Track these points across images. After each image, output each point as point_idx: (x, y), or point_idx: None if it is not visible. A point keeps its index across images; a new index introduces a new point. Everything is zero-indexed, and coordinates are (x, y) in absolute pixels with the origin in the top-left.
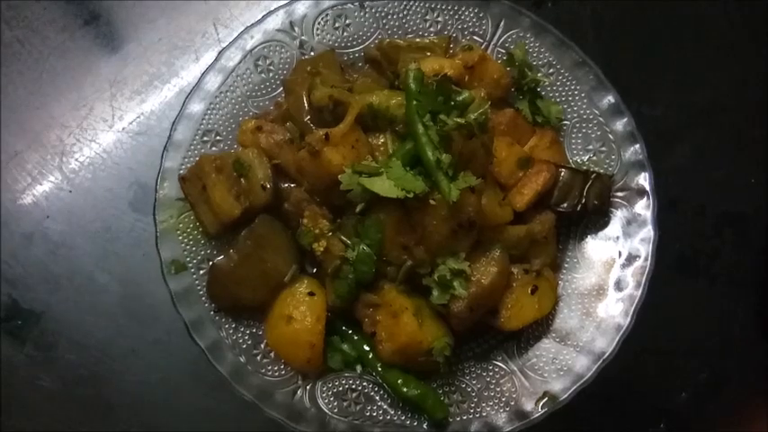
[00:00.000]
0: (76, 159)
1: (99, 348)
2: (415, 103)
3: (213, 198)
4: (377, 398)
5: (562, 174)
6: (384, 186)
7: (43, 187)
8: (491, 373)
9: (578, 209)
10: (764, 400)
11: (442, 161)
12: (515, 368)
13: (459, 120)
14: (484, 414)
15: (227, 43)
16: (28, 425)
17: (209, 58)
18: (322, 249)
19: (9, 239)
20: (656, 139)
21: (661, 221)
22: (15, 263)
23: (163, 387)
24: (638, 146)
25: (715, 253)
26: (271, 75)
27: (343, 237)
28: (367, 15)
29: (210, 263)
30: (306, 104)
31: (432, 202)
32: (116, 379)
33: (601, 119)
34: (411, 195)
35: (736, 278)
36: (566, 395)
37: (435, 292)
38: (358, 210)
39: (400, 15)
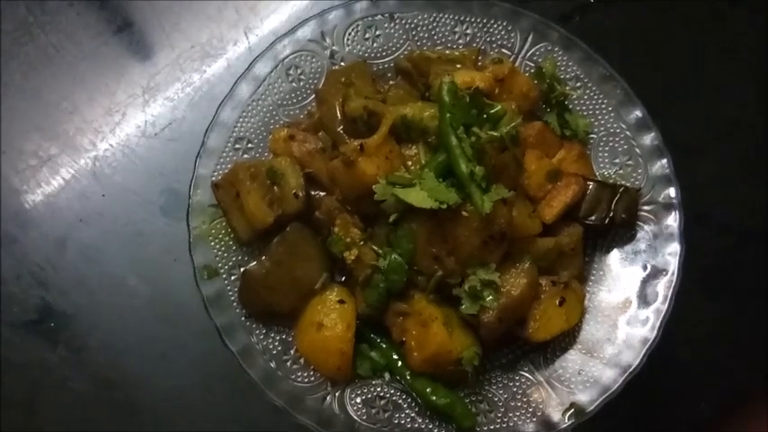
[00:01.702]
0: (109, 164)
1: (129, 351)
2: (448, 115)
3: (247, 205)
4: (405, 405)
5: (590, 187)
6: (418, 197)
7: (76, 191)
8: (518, 384)
9: (606, 222)
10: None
11: (475, 173)
12: (542, 379)
13: (492, 133)
14: (511, 424)
15: (258, 52)
16: (58, 426)
17: (240, 65)
18: (353, 258)
19: (42, 242)
20: (682, 153)
21: (686, 235)
22: (48, 265)
23: (192, 391)
24: (665, 160)
25: (740, 267)
26: (302, 84)
27: (374, 246)
28: (397, 27)
29: (242, 269)
30: (339, 114)
31: (464, 213)
32: (146, 382)
33: (628, 133)
34: (444, 206)
35: (761, 292)
36: (592, 407)
37: (465, 303)
38: (391, 220)
39: (429, 27)
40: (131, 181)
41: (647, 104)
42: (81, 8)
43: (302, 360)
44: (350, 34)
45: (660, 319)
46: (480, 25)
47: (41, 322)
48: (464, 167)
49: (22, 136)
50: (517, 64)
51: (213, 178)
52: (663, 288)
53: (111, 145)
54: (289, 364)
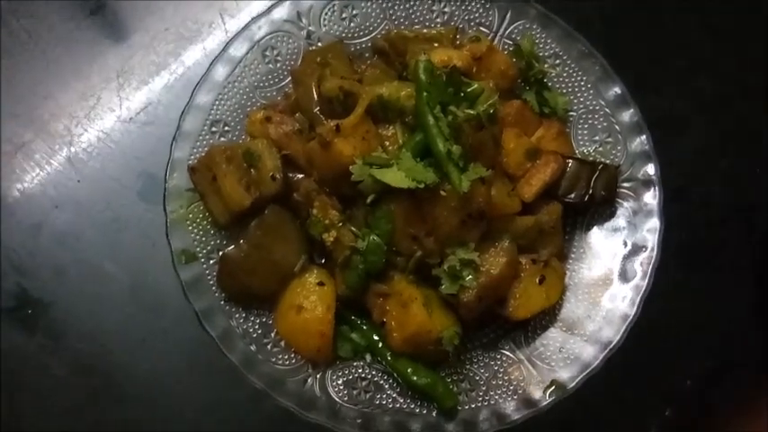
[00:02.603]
0: (84, 149)
1: (108, 338)
2: (425, 94)
3: (224, 188)
4: (386, 386)
5: (569, 165)
6: (395, 177)
7: (51, 177)
8: (499, 362)
9: (585, 199)
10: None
11: (452, 152)
12: (523, 357)
13: (469, 111)
14: (492, 402)
15: (233, 33)
16: (38, 414)
17: (215, 48)
18: (332, 239)
19: (17, 229)
20: (662, 129)
21: (666, 211)
22: (24, 252)
23: (173, 376)
24: (644, 137)
25: (720, 243)
26: (278, 65)
27: (352, 227)
28: (374, 6)
29: (220, 253)
30: (315, 95)
31: (442, 192)
32: (126, 368)
33: (607, 110)
34: (422, 186)
35: (741, 268)
36: (573, 384)
37: (445, 283)
38: (369, 201)
39: (407, 6)
40: (107, 166)
41: (626, 81)
42: None
43: (282, 343)
44: (326, 14)
45: (640, 295)
46: (458, 3)
47: (18, 309)
48: (441, 146)
49: None
50: (496, 42)
51: (189, 162)
52: (642, 264)
53: (85, 130)
54: (269, 347)
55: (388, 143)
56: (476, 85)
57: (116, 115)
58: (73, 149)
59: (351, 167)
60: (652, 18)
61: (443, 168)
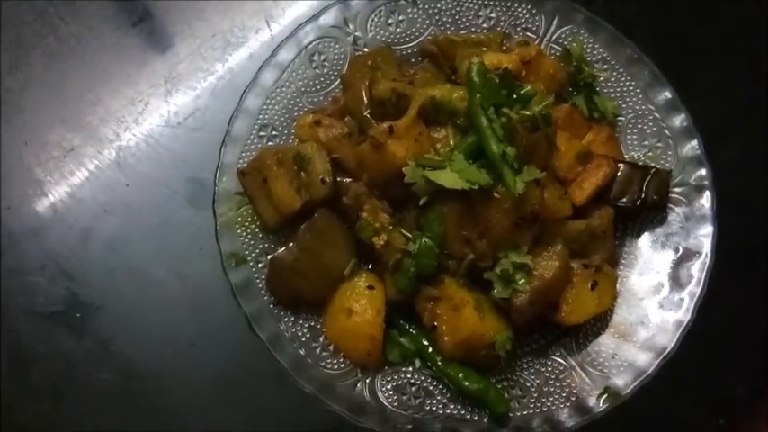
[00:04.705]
0: (133, 154)
1: (157, 342)
2: (478, 96)
3: (275, 191)
4: (436, 392)
5: (621, 169)
6: (449, 179)
7: (100, 182)
8: (550, 369)
9: (637, 204)
10: None
11: (507, 154)
12: (575, 364)
13: (525, 112)
14: (545, 409)
15: (280, 39)
16: (85, 418)
17: (262, 53)
18: (382, 243)
19: (67, 233)
20: (710, 133)
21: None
22: (73, 256)
23: (221, 381)
24: (695, 142)
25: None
26: (325, 70)
27: (403, 230)
28: (420, 12)
29: (269, 256)
30: (366, 98)
31: (495, 194)
32: (174, 373)
33: (657, 114)
34: (476, 188)
35: None
36: (627, 390)
37: (497, 286)
38: (421, 203)
39: (453, 11)
40: (155, 171)
41: (674, 85)
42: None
43: (331, 347)
44: (373, 20)
45: (694, 301)
46: (504, 9)
47: (67, 313)
48: (495, 148)
49: (45, 127)
50: (542, 47)
51: (238, 166)
52: (697, 270)
53: (134, 135)
54: (318, 351)
55: (438, 145)
56: (528, 87)
57: (164, 120)
58: (122, 154)
59: (404, 169)
60: (699, 21)
61: (498, 170)
